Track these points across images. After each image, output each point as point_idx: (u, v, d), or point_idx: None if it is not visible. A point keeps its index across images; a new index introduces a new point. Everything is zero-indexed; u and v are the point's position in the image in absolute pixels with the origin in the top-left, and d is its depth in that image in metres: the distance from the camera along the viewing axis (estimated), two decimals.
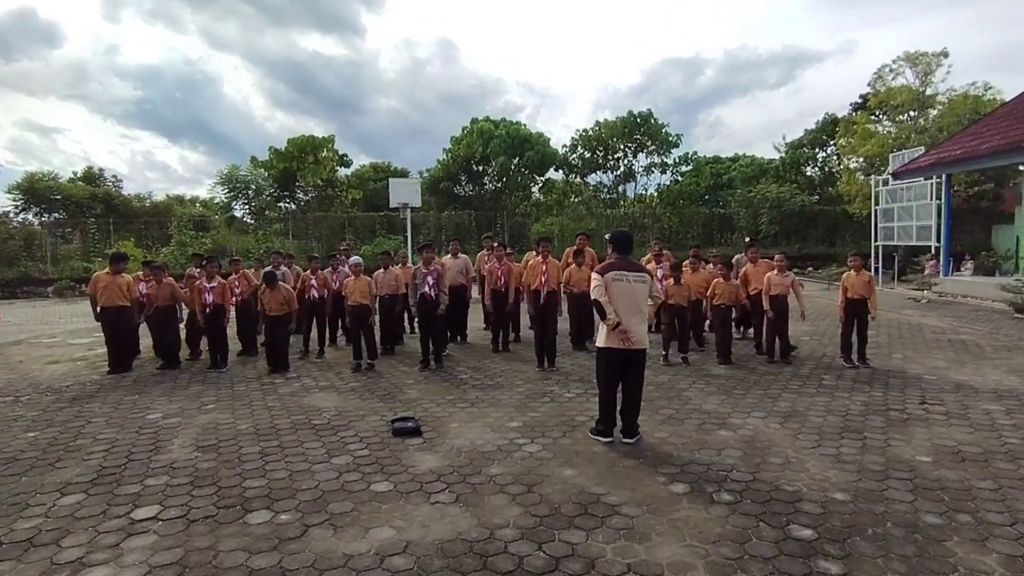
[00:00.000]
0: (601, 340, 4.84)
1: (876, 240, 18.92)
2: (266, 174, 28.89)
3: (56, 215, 27.61)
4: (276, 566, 3.02)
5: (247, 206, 29.75)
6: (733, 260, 9.79)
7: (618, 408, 4.87)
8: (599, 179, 33.15)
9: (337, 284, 8.75)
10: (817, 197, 27.93)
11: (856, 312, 7.36)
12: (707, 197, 35.74)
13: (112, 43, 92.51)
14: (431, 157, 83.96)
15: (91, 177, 32.17)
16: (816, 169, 31.55)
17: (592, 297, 4.84)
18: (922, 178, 16.60)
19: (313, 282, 8.71)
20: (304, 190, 29.39)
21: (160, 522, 3.51)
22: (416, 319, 8.56)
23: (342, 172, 30.98)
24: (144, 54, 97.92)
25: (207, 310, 7.87)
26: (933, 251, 16.20)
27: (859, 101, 28.35)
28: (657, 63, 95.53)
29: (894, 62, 22.04)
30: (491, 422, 5.36)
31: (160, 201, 33.89)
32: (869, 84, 22.98)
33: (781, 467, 4.20)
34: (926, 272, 17.39)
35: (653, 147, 31.14)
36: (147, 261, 9.09)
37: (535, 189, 32.32)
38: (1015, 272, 14.26)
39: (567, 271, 8.30)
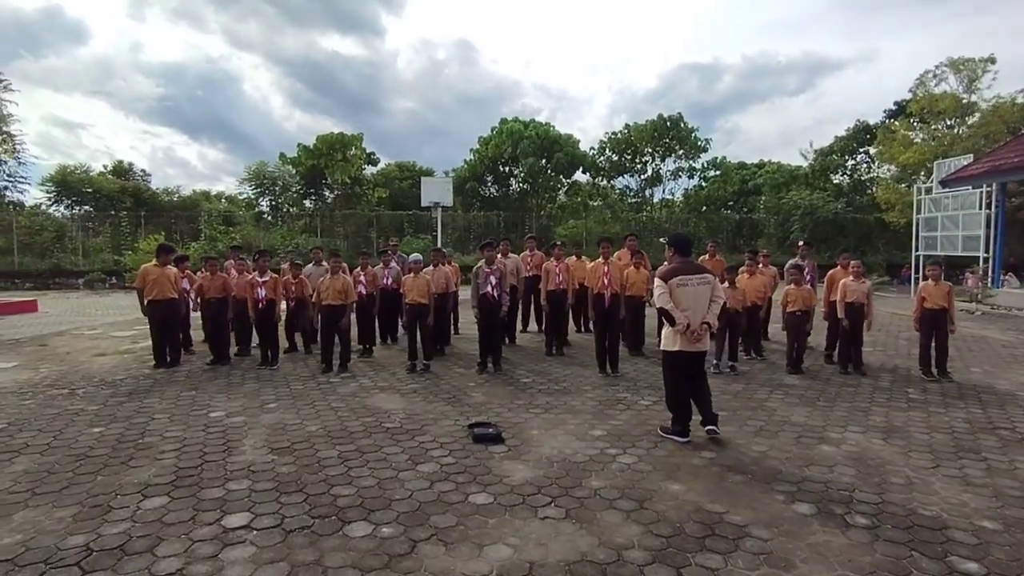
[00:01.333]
0: (667, 343, 4.82)
1: (917, 250, 18.40)
2: (293, 171, 28.87)
3: (86, 208, 27.78)
4: None
5: (273, 203, 29.77)
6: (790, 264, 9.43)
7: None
8: (626, 183, 32.88)
9: (387, 280, 8.55)
10: (844, 204, 27.41)
11: (935, 323, 7.00)
12: (731, 203, 35.31)
13: (136, 41, 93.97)
14: (448, 158, 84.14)
15: (121, 171, 32.41)
16: (845, 176, 31.00)
17: (658, 305, 4.81)
18: (970, 187, 16.11)
19: (362, 278, 8.51)
20: (330, 188, 29.33)
21: (255, 531, 3.28)
22: (475, 320, 8.31)
23: (368, 171, 30.91)
24: (167, 52, 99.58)
25: (259, 305, 7.68)
26: (981, 262, 15.69)
27: (893, 108, 27.86)
28: (674, 68, 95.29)
29: (937, 67, 21.53)
30: (572, 429, 5.09)
31: (188, 196, 34.03)
32: (910, 90, 22.43)
33: (906, 488, 3.88)
34: (969, 284, 16.85)
35: (682, 151, 30.76)
36: (181, 256, 8.91)
37: (561, 192, 32.05)
38: None
39: (625, 273, 8.01)
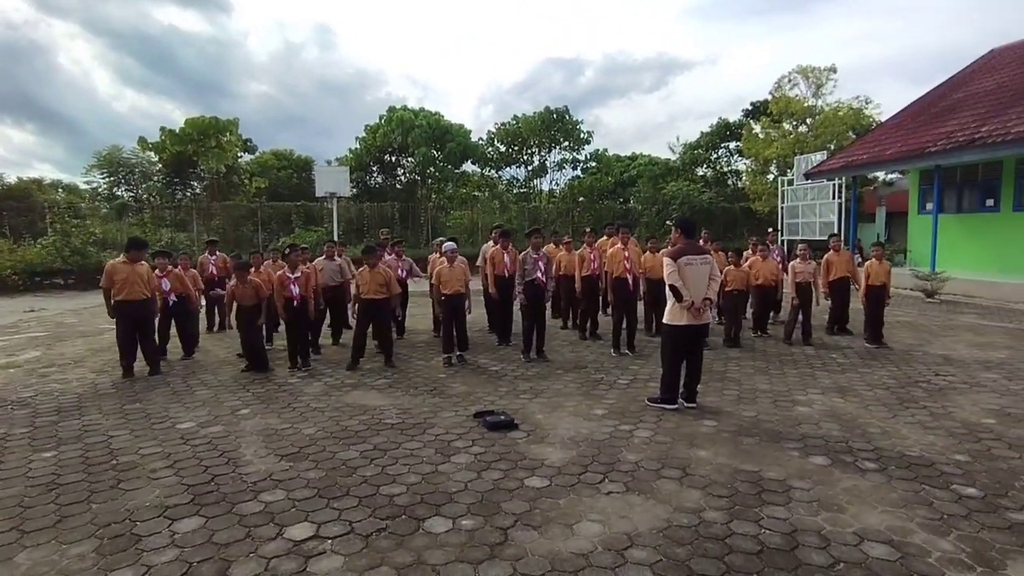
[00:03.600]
0: (672, 318, 5.21)
1: (782, 235, 20.87)
2: (155, 157, 25.89)
3: None
4: (516, 574, 2.75)
5: (131, 193, 26.53)
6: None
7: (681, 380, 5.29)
8: (513, 173, 33.51)
9: (403, 273, 8.57)
10: (714, 194, 30.26)
11: (878, 298, 7.98)
12: (609, 194, 37.42)
13: None
14: (309, 146, 79.60)
15: None
16: (709, 169, 34.15)
17: (668, 282, 5.20)
18: (825, 179, 18.56)
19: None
20: (200, 177, 26.69)
21: (329, 540, 3.05)
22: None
23: (244, 159, 28.59)
24: None
25: (294, 303, 7.01)
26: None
27: (750, 108, 31.13)
28: (540, 62, 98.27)
29: (790, 73, 24.37)
30: (573, 411, 5.24)
31: (13, 185, 29.07)
32: (770, 93, 25.17)
33: (885, 436, 4.51)
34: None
35: (567, 143, 31.98)
36: (160, 252, 8.01)
37: (450, 183, 31.90)
38: (905, 263, 16.33)
39: (643, 257, 8.20)
